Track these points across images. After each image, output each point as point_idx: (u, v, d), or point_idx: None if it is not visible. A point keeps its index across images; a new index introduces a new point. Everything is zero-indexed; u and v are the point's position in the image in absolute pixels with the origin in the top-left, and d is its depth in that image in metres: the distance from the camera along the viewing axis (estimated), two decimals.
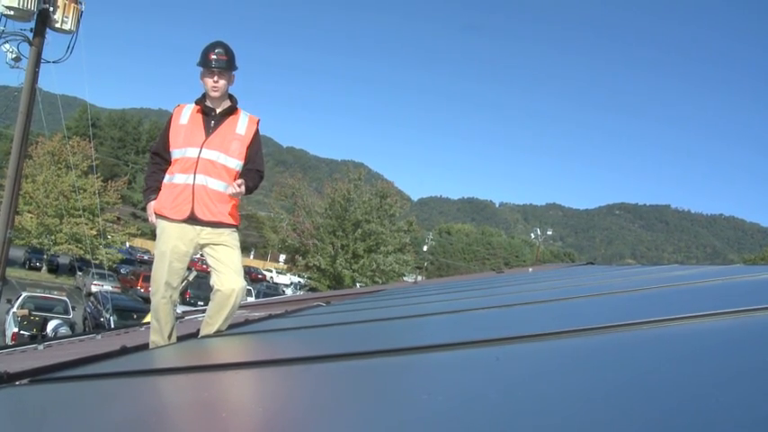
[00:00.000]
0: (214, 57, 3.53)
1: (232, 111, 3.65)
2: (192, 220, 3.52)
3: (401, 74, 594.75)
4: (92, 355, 2.99)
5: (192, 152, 3.52)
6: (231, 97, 3.69)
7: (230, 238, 3.60)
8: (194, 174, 3.51)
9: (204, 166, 3.51)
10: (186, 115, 3.61)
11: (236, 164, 3.58)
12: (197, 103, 3.64)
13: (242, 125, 3.64)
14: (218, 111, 3.61)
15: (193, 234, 3.54)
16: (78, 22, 13.33)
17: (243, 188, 3.52)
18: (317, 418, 1.23)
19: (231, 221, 3.62)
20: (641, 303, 2.73)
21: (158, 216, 3.61)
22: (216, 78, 3.53)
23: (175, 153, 3.57)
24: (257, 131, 3.70)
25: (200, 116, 3.60)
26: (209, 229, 3.55)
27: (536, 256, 63.18)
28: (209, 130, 3.56)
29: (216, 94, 3.56)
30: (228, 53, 3.58)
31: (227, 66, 3.56)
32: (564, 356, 1.53)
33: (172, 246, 3.52)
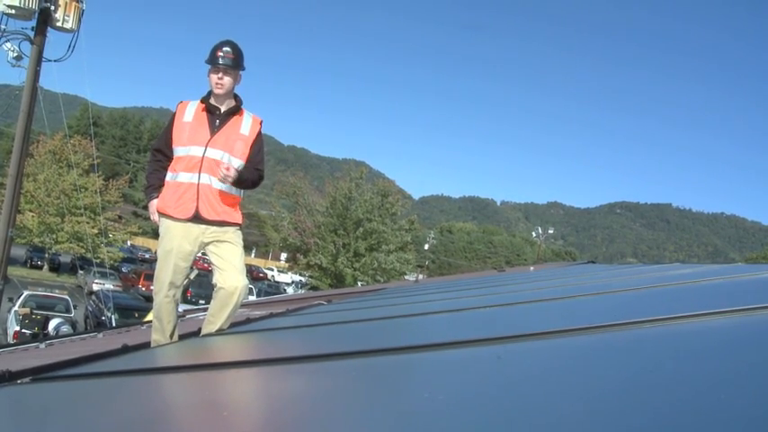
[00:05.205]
0: (221, 54, 3.53)
1: (236, 110, 3.64)
2: (197, 219, 3.51)
3: (402, 72, 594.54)
4: (93, 354, 2.99)
5: (196, 151, 3.51)
6: (236, 97, 3.68)
7: (234, 236, 3.60)
8: (199, 173, 3.50)
9: (209, 166, 3.50)
10: (190, 112, 3.60)
11: (239, 164, 3.58)
12: (202, 101, 3.62)
13: (246, 125, 3.64)
14: (222, 110, 3.60)
15: (198, 233, 3.53)
16: (79, 20, 13.30)
17: (231, 171, 3.46)
18: (319, 417, 1.23)
19: (235, 220, 3.62)
20: (642, 302, 2.73)
21: (162, 215, 3.60)
22: (221, 75, 3.53)
23: (179, 151, 3.56)
24: (260, 132, 3.71)
25: (204, 114, 3.59)
26: (213, 228, 3.54)
27: (537, 254, 63.11)
28: (213, 129, 3.55)
29: (220, 91, 3.55)
30: (236, 52, 3.58)
31: (234, 64, 3.56)
32: (566, 355, 1.53)
33: (176, 245, 3.51)
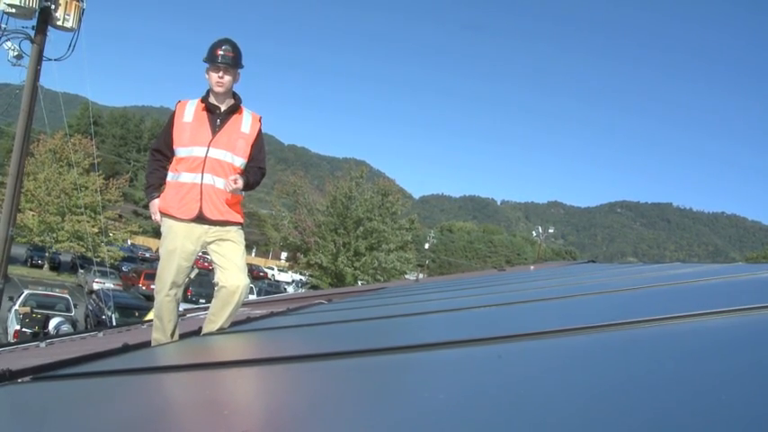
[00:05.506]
0: (221, 52, 3.54)
1: (236, 109, 3.65)
2: (200, 219, 3.52)
3: (403, 71, 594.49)
4: (94, 353, 2.99)
5: (198, 151, 3.51)
6: (235, 95, 3.69)
7: (236, 235, 3.61)
8: (202, 173, 3.51)
9: (212, 165, 3.51)
10: (190, 112, 3.60)
11: (241, 162, 3.59)
12: (201, 100, 3.63)
13: (246, 123, 3.64)
14: (222, 108, 3.61)
15: (201, 232, 3.54)
16: (80, 19, 13.31)
17: (239, 183, 3.51)
18: (320, 416, 1.23)
19: (237, 219, 3.63)
20: (643, 302, 2.73)
21: (164, 215, 3.60)
22: (221, 74, 3.53)
23: (180, 151, 3.56)
24: (260, 129, 3.71)
25: (205, 114, 3.59)
26: (216, 227, 3.55)
27: (537, 254, 63.07)
28: (215, 129, 3.56)
29: (220, 90, 3.56)
30: (235, 50, 3.59)
31: (233, 62, 3.57)
32: (566, 354, 1.53)
33: (180, 245, 3.52)
